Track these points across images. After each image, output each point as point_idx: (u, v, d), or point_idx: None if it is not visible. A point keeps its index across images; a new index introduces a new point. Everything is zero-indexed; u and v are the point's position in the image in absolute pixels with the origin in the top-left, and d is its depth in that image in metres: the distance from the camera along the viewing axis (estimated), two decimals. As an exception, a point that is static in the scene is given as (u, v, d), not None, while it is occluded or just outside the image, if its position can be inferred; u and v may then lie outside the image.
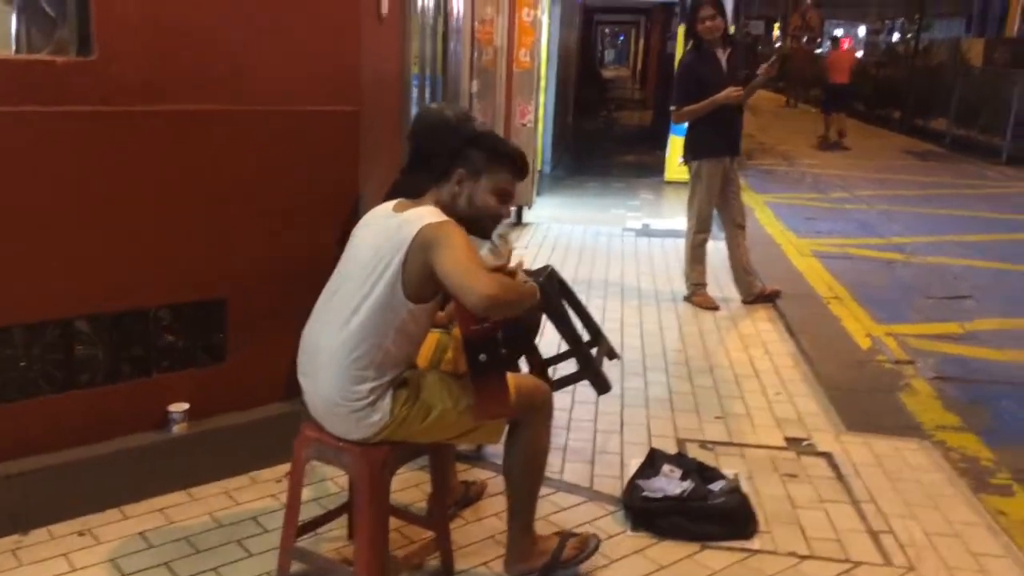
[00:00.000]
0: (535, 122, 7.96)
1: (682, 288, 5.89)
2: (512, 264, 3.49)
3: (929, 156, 14.09)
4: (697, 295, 5.68)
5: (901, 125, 17.62)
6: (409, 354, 2.42)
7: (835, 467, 3.46)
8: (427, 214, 2.32)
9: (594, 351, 3.50)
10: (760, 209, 9.06)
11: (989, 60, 16.01)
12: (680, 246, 7.33)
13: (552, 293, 3.32)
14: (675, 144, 11.34)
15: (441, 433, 2.46)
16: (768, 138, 16.18)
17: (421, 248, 2.25)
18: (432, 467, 2.65)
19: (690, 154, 5.63)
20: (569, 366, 3.42)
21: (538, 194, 9.47)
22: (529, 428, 2.56)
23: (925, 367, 4.59)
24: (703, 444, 3.63)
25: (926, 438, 3.75)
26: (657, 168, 11.62)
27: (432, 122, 3.21)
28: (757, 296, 5.65)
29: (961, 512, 3.11)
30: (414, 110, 4.40)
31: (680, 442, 3.64)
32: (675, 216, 8.91)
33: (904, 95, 18.08)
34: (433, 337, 2.75)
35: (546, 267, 3.43)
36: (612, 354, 3.62)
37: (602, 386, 3.34)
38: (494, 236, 3.44)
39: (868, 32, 47.64)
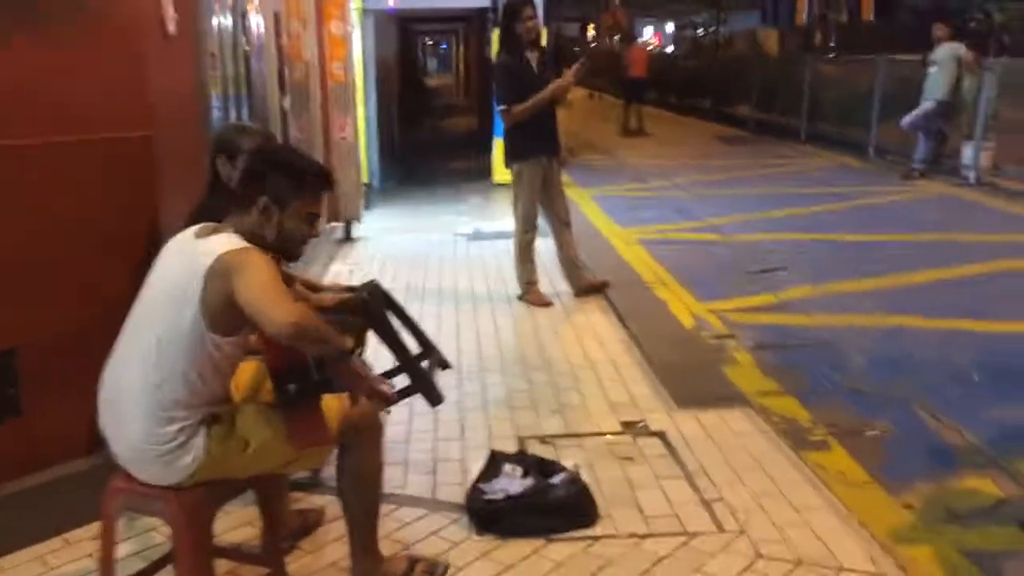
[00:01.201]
0: (355, 135, 7.83)
1: (516, 288, 5.94)
2: (326, 282, 3.42)
3: (736, 140, 14.98)
4: (530, 293, 5.76)
5: (710, 113, 18.62)
6: (219, 388, 2.30)
7: (668, 444, 3.58)
8: (226, 242, 2.21)
9: (425, 363, 3.47)
10: (586, 203, 9.32)
11: (783, 48, 17.17)
12: (511, 247, 7.46)
13: (377, 308, 3.27)
14: (500, 146, 11.49)
15: (263, 465, 2.35)
16: (582, 129, 16.71)
17: (220, 276, 2.14)
18: (260, 501, 2.53)
19: (510, 158, 5.71)
20: (403, 381, 3.37)
21: (367, 208, 9.33)
22: (358, 449, 2.49)
23: (745, 339, 4.84)
24: (543, 439, 3.67)
25: (749, 405, 3.95)
26: (484, 171, 11.72)
27: (228, 142, 3.08)
28: (587, 288, 5.79)
29: (785, 471, 3.29)
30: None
31: (520, 440, 3.66)
32: (504, 218, 8.97)
33: (710, 84, 19.14)
34: (251, 366, 2.63)
35: (370, 282, 3.36)
36: (444, 364, 3.58)
37: (435, 399, 3.29)
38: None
39: (676, 28, 50.15)
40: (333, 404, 2.44)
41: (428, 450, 3.59)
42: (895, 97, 11.00)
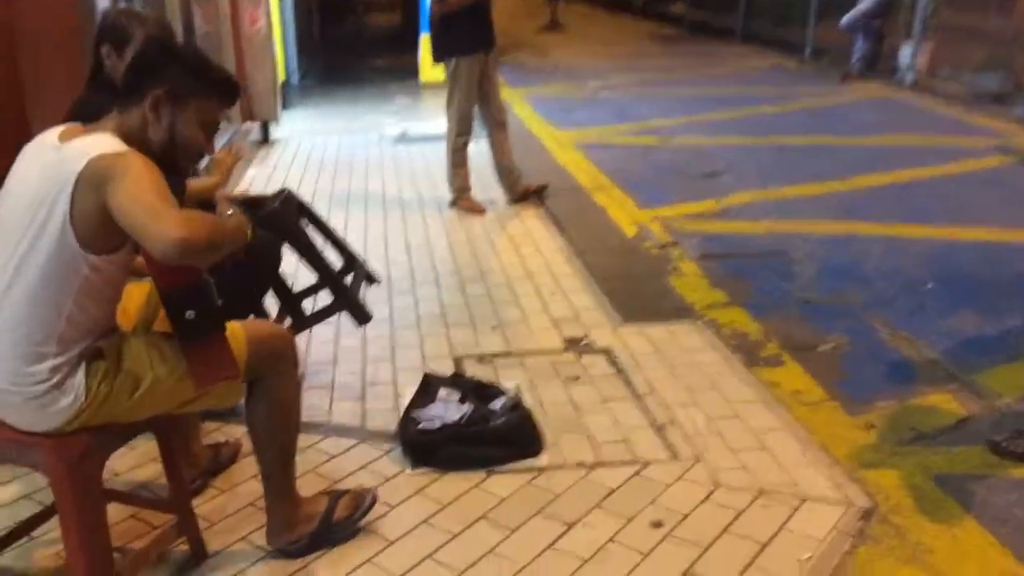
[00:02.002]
0: (269, 28, 7.19)
1: (447, 195, 5.58)
2: (237, 191, 3.02)
3: (670, 40, 14.54)
4: (463, 200, 5.40)
5: (643, 11, 18.06)
6: (102, 318, 1.92)
7: (615, 362, 3.34)
8: (101, 143, 1.81)
9: (350, 279, 3.13)
10: (519, 104, 8.88)
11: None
12: (441, 151, 7.02)
13: (290, 220, 2.89)
14: (427, 44, 10.86)
15: (158, 406, 2.01)
16: (510, 25, 16.06)
17: (91, 185, 1.75)
18: (160, 442, 2.19)
19: (444, 52, 5.22)
20: (326, 298, 3.03)
21: (285, 107, 8.73)
22: (271, 379, 2.16)
23: (690, 247, 4.61)
24: (481, 359, 3.39)
25: (698, 318, 3.73)
26: (411, 71, 11.12)
27: (117, 29, 2.61)
28: (523, 194, 5.46)
29: (738, 390, 3.09)
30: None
31: (457, 360, 3.38)
32: (434, 119, 8.54)
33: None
34: (142, 288, 2.26)
35: (282, 191, 2.98)
36: (371, 278, 3.25)
37: (361, 317, 2.98)
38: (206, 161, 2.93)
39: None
40: (237, 328, 2.09)
41: (356, 372, 3.29)
42: (834, -5, 10.69)
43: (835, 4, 10.61)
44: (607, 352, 3.43)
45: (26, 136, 2.66)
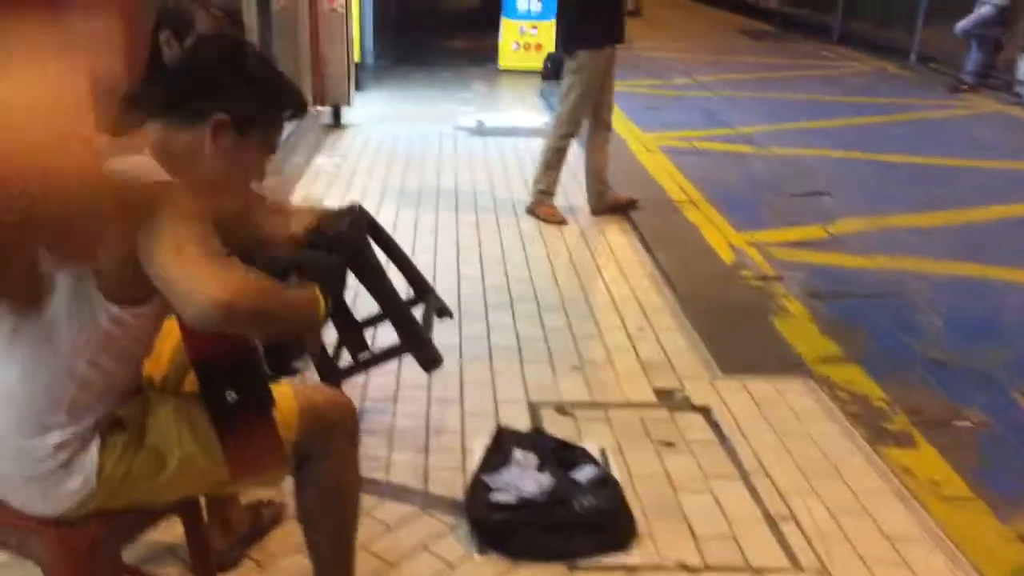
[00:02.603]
0: (347, 7, 6.84)
1: (525, 198, 5.16)
2: (307, 205, 2.65)
3: (763, 36, 13.85)
4: (544, 206, 4.97)
5: (734, 4, 17.32)
6: (123, 380, 1.56)
7: (715, 425, 2.90)
8: (136, 167, 1.44)
9: (420, 309, 2.74)
10: (601, 99, 8.40)
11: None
12: (520, 147, 6.63)
13: (359, 244, 2.51)
14: (508, 28, 10.46)
15: (186, 489, 1.64)
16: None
17: (122, 219, 1.38)
18: (186, 525, 1.83)
19: (574, 43, 4.70)
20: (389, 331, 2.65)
21: (358, 89, 8.40)
22: (326, 459, 1.78)
23: (794, 282, 4.12)
24: (560, 408, 2.98)
25: (808, 375, 3.26)
26: (489, 55, 10.73)
27: (178, 12, 2.25)
28: (610, 206, 5.01)
29: (864, 476, 2.63)
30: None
31: (533, 407, 2.98)
32: (511, 110, 8.16)
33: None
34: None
35: (352, 207, 2.60)
36: (444, 311, 2.86)
37: (430, 361, 2.60)
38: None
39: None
40: (287, 394, 1.72)
41: (419, 415, 2.91)
42: (946, -2, 9.95)
43: (945, 6, 9.87)
44: (705, 411, 2.99)
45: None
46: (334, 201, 5.13)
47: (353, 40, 7.19)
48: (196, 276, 1.31)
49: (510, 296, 3.91)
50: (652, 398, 3.07)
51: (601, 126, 4.92)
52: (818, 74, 10.27)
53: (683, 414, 2.97)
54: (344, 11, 6.78)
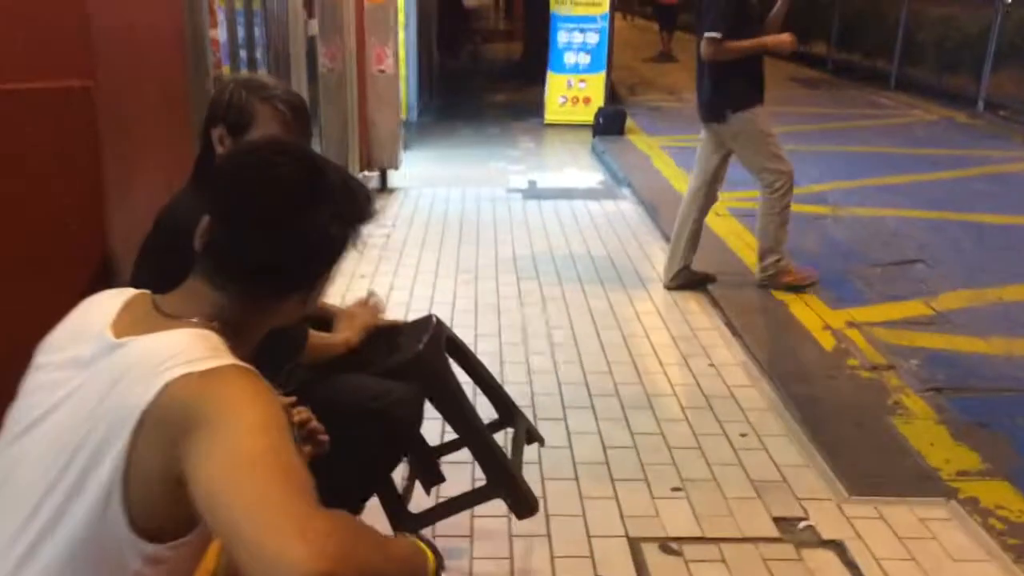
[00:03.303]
0: (395, 67, 6.56)
1: (591, 270, 4.77)
2: (370, 310, 2.28)
3: (817, 84, 13.41)
4: (791, 274, 4.49)
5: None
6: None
7: (853, 566, 2.43)
8: (184, 345, 1.05)
9: (504, 436, 2.33)
10: (656, 156, 8.03)
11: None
12: (576, 210, 6.25)
13: (438, 367, 2.11)
14: (554, 82, 10.18)
15: None
16: (632, 61, 15.28)
17: (163, 432, 1.00)
18: None
19: (735, 104, 4.31)
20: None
21: (405, 148, 8.12)
22: None
23: (909, 373, 3.64)
24: (665, 545, 2.53)
25: (950, 494, 2.78)
26: (534, 108, 10.46)
27: (235, 107, 1.87)
28: (690, 281, 4.59)
29: (1053, 645, 2.14)
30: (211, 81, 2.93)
31: (633, 544, 2.53)
32: (562, 169, 7.82)
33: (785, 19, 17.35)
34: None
35: (429, 320, 2.21)
36: (533, 436, 2.45)
37: (523, 507, 2.18)
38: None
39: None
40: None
41: (501, 554, 2.47)
42: (1014, 42, 9.49)
43: (1015, 50, 9.41)
44: (839, 548, 2.52)
45: (100, 257, 1.99)
46: (387, 277, 4.81)
47: (400, 102, 6.90)
48: (275, 526, 0.90)
49: (588, 392, 3.49)
50: (772, 530, 2.61)
51: (711, 195, 4.53)
52: (880, 123, 9.81)
53: (812, 551, 2.51)
54: (393, 72, 6.50)
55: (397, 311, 4.27)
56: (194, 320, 1.08)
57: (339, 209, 1.15)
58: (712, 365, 3.74)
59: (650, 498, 2.76)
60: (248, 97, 1.85)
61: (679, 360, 3.79)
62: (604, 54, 10.13)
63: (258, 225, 1.11)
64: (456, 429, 2.15)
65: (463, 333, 3.98)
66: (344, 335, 2.14)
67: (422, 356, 2.05)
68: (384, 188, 6.80)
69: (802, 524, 2.64)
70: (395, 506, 2.16)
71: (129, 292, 1.16)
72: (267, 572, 0.88)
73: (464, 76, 14.54)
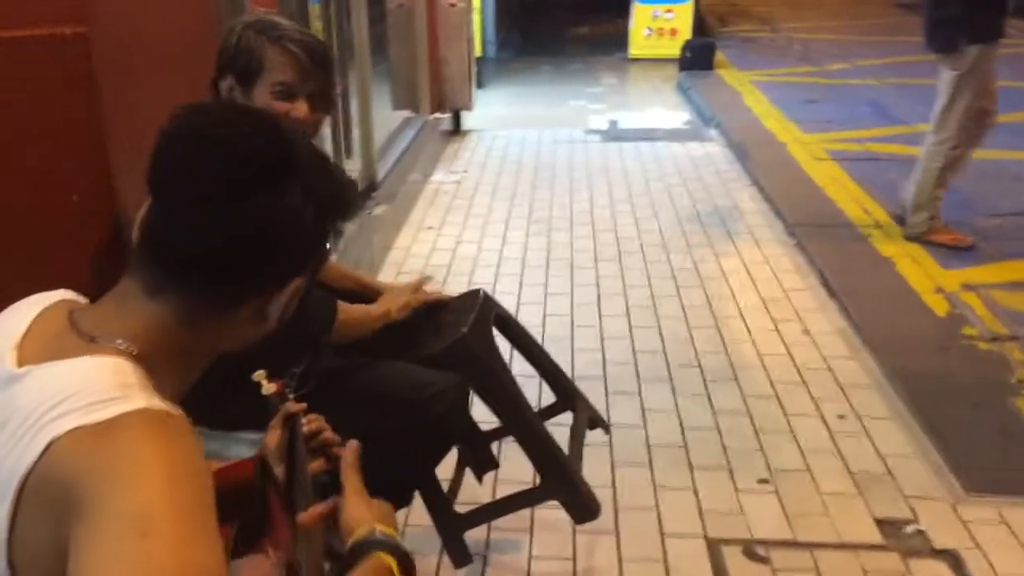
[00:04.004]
0: (468, 1, 6.18)
1: (674, 221, 4.41)
2: (416, 282, 2.01)
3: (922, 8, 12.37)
4: (944, 232, 4.09)
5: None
6: None
7: (971, 583, 2.10)
8: (86, 384, 0.77)
9: (560, 422, 2.06)
10: (748, 92, 7.48)
11: None
12: (660, 153, 5.85)
13: (482, 353, 1.84)
14: (640, 13, 9.62)
15: None
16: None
17: (47, 507, 0.74)
18: None
19: (963, 36, 3.78)
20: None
21: (479, 86, 7.78)
22: None
23: (1035, 344, 3.20)
24: (750, 549, 2.23)
25: (1087, 496, 2.40)
26: (618, 42, 9.94)
27: (245, 53, 1.60)
28: (931, 234, 4.10)
29: None
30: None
31: (713, 546, 2.24)
32: (646, 108, 7.36)
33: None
34: None
35: (475, 295, 1.94)
36: (596, 422, 2.16)
37: (581, 510, 1.91)
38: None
39: None
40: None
41: (563, 553, 2.22)
42: None
43: None
44: (953, 559, 2.18)
45: (109, 224, 1.77)
46: (455, 228, 4.55)
47: (474, 39, 6.54)
48: None
49: (666, 361, 3.17)
50: (875, 535, 2.28)
51: (979, 133, 4.04)
52: (1005, 53, 8.93)
53: (921, 562, 2.18)
54: (466, 6, 6.13)
55: (463, 265, 4.02)
56: (114, 343, 0.81)
57: (312, 193, 0.86)
58: (807, 332, 3.37)
59: (733, 491, 2.46)
60: (257, 39, 1.57)
61: (769, 326, 3.43)
62: (690, -16, 9.52)
63: (201, 202, 0.83)
64: (505, 422, 1.89)
65: (533, 292, 3.77)
66: (383, 307, 1.88)
67: (465, 341, 1.78)
68: (457, 130, 6.50)
69: (910, 528, 2.30)
70: (439, 506, 1.92)
71: (53, 298, 0.90)
72: None
73: (546, 8, 13.97)
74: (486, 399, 1.87)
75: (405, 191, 4.68)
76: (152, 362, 0.82)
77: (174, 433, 0.77)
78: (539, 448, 1.88)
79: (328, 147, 3.44)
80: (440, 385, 1.75)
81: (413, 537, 2.21)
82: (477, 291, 1.98)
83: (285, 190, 0.84)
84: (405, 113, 5.63)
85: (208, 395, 1.40)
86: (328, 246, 0.95)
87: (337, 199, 0.90)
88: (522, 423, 1.87)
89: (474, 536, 2.18)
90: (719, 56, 8.71)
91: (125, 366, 0.79)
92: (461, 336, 1.80)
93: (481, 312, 1.88)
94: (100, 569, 0.67)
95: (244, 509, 0.96)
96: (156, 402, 0.78)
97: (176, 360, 0.86)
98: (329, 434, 1.27)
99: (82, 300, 0.92)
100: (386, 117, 5.15)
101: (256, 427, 1.27)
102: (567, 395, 2.13)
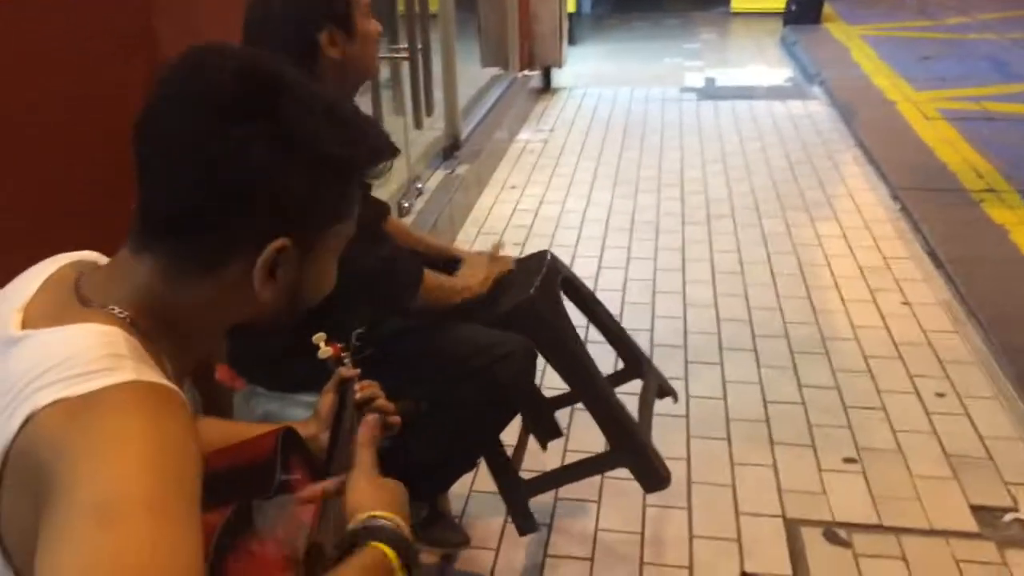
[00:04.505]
0: (560, -48, 6.02)
1: (768, 184, 4.22)
2: (493, 250, 1.95)
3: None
4: None
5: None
6: None
7: (1077, 582, 1.93)
8: (75, 352, 0.73)
9: (628, 390, 1.98)
10: (857, 47, 7.08)
11: None
12: (757, 112, 5.60)
13: (549, 318, 1.77)
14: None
15: None
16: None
17: (24, 480, 0.70)
18: None
19: None
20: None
21: (572, 43, 7.62)
22: None
23: None
24: (831, 532, 2.11)
25: None
26: (720, -4, 9.56)
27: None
28: None
29: None
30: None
31: (791, 527, 2.13)
32: (746, 65, 7.06)
33: None
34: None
35: (541, 256, 1.87)
36: (665, 390, 2.08)
37: (651, 479, 1.83)
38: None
39: None
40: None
41: (631, 521, 2.15)
42: None
43: None
44: (1058, 554, 2.01)
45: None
46: (539, 188, 4.46)
47: (567, -9, 6.38)
48: None
49: (752, 331, 3.04)
50: (970, 522, 2.12)
51: None
52: None
53: (1020, 552, 2.02)
54: (557, -41, 5.97)
55: (545, 226, 3.94)
56: (108, 308, 0.77)
57: (298, 146, 0.79)
58: (906, 303, 3.17)
59: (816, 470, 2.33)
60: None
61: (865, 296, 3.24)
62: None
63: (162, 155, 0.78)
64: (572, 386, 1.82)
65: (615, 255, 3.66)
66: (464, 282, 1.82)
67: (531, 303, 1.72)
68: (547, 88, 6.37)
69: (1008, 517, 2.13)
70: (503, 472, 1.87)
71: (73, 258, 0.87)
72: None
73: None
74: (553, 363, 1.80)
75: (489, 150, 4.61)
76: (147, 329, 0.78)
77: (162, 409, 0.72)
78: (608, 413, 1.81)
79: (407, 104, 3.39)
80: (506, 348, 1.69)
81: (479, 502, 2.19)
82: (544, 252, 1.91)
83: (252, 142, 0.77)
84: (493, 71, 5.54)
85: (274, 356, 1.37)
86: (348, 205, 0.87)
87: (342, 155, 0.82)
88: (590, 388, 1.80)
89: (541, 502, 2.14)
90: (827, 9, 8.27)
91: (117, 335, 0.75)
92: (528, 298, 1.74)
93: (548, 274, 1.81)
94: (56, 562, 0.62)
95: (258, 487, 0.91)
96: (147, 374, 0.73)
97: (171, 328, 0.81)
98: (383, 401, 1.22)
99: (103, 260, 0.89)
100: (472, 75, 5.08)
101: (320, 390, 1.23)
102: (636, 362, 2.05)
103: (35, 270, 0.87)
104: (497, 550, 2.08)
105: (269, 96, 0.77)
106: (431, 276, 1.73)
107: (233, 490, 0.88)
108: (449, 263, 1.92)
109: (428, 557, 2.04)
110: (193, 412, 0.80)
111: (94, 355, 0.72)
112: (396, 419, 1.23)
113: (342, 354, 1.19)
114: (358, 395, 1.18)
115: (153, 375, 0.73)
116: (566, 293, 1.93)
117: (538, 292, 1.75)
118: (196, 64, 0.79)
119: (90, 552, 0.61)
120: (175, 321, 0.81)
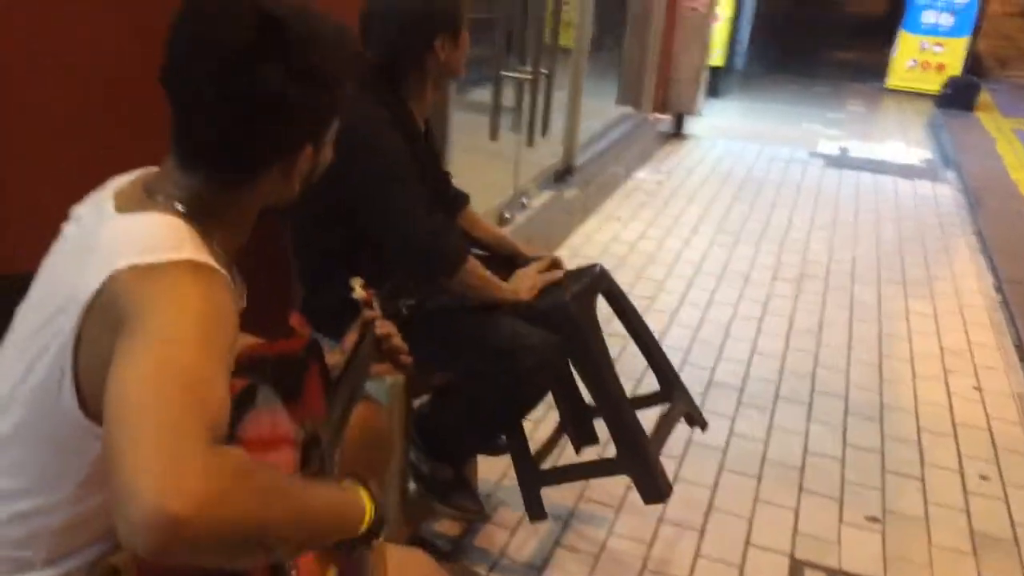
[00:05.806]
0: (709, 10, 6.17)
1: (871, 255, 4.22)
2: (547, 262, 2.13)
3: None
4: None
5: None
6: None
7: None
8: (147, 234, 0.98)
9: (647, 415, 2.11)
10: (1005, 139, 6.89)
11: None
12: (883, 187, 5.56)
13: (580, 324, 1.94)
14: (906, 43, 9.08)
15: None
16: (1002, 23, 13.09)
17: (105, 320, 0.94)
18: None
19: None
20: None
21: (717, 96, 7.75)
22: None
23: None
24: (833, 579, 2.18)
25: None
26: (877, 70, 9.42)
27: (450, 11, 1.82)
28: None
29: None
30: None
31: (795, 567, 2.21)
32: (885, 140, 6.97)
33: None
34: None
35: (592, 269, 2.05)
36: (694, 419, 2.20)
37: (651, 489, 1.96)
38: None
39: None
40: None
41: (642, 536, 2.27)
42: None
43: None
44: (1059, 645, 2.01)
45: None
46: (642, 224, 4.62)
47: (709, 46, 6.50)
48: (141, 456, 0.79)
49: (812, 387, 3.09)
50: (976, 600, 2.14)
51: None
52: None
53: (1020, 639, 2.03)
54: (705, 14, 6.12)
55: (638, 259, 4.09)
56: (169, 203, 1.02)
57: (296, 67, 0.99)
58: (977, 388, 3.15)
59: (837, 521, 2.39)
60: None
61: (938, 374, 3.23)
62: (972, 16, 8.84)
63: (194, 96, 1.00)
64: (590, 390, 1.97)
65: (698, 295, 3.77)
66: (512, 288, 1.95)
67: (565, 307, 1.89)
68: (678, 134, 6.52)
69: (1020, 604, 2.14)
70: (520, 458, 2.04)
71: (139, 171, 1.13)
72: (117, 509, 0.79)
73: (811, 27, 13.46)
74: (576, 365, 1.97)
75: (602, 181, 4.81)
76: (200, 221, 1.02)
77: (213, 284, 0.96)
78: (618, 420, 1.95)
79: (523, 121, 3.63)
80: (532, 340, 1.85)
81: (508, 490, 2.35)
82: (594, 265, 2.07)
83: (264, 72, 0.97)
84: (625, 108, 5.74)
85: (337, 309, 1.61)
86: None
87: (323, 63, 1.02)
88: (606, 394, 1.95)
89: (562, 500, 2.31)
90: (983, 98, 8.06)
91: (180, 224, 1.00)
92: (564, 302, 1.91)
93: (590, 284, 1.98)
94: (127, 363, 0.86)
95: (276, 375, 1.13)
96: (203, 257, 0.97)
97: (222, 218, 1.05)
98: (398, 340, 1.43)
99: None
100: (599, 108, 5.28)
101: None
102: (669, 384, 2.18)
103: (116, 178, 1.13)
104: (512, 532, 2.25)
105: (273, 37, 0.98)
106: (480, 268, 1.88)
107: (253, 372, 1.11)
108: (511, 259, 2.11)
109: (450, 528, 2.23)
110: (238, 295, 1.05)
111: (163, 235, 0.97)
112: (408, 358, 1.44)
113: (372, 299, 1.41)
114: (377, 332, 1.40)
115: (207, 258, 0.97)
116: (611, 306, 2.09)
117: (574, 298, 1.92)
118: (207, 13, 0.99)
119: (155, 354, 0.85)
120: (222, 216, 1.05)
